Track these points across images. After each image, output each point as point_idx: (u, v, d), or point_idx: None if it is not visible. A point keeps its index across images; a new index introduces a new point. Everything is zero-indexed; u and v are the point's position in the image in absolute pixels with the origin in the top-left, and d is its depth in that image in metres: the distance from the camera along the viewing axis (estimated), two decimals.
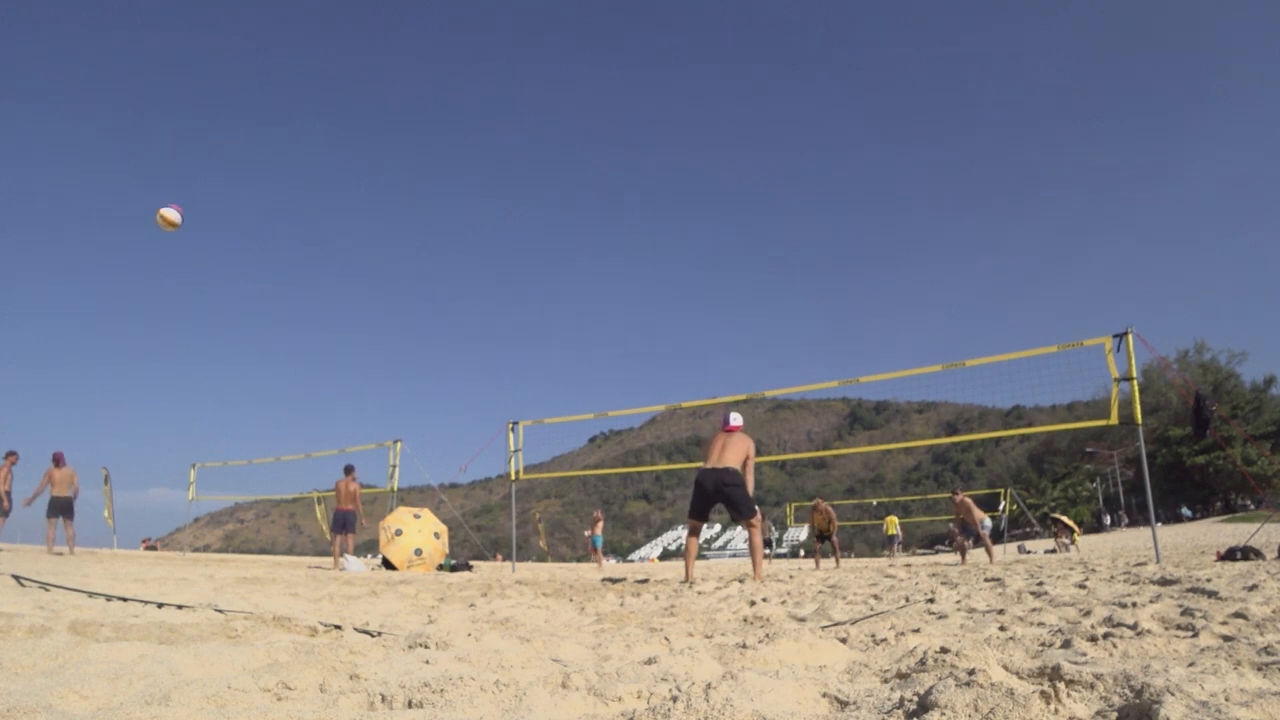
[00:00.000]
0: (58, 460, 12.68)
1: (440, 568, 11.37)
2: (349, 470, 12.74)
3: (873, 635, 2.39)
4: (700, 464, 6.82)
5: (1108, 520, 49.29)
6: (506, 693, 1.48)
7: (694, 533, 6.84)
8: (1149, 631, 2.20)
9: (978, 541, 14.31)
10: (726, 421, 6.95)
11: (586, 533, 21.03)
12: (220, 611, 2.88)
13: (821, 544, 16.70)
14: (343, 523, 12.29)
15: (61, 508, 12.50)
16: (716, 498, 6.54)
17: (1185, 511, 45.96)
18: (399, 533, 11.41)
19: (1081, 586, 4.32)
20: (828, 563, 15.94)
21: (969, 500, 14.23)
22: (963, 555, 14.00)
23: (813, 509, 17.03)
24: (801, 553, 26.41)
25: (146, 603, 3.32)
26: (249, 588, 5.04)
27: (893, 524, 24.79)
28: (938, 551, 33.12)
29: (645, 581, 6.78)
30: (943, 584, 5.08)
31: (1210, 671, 1.50)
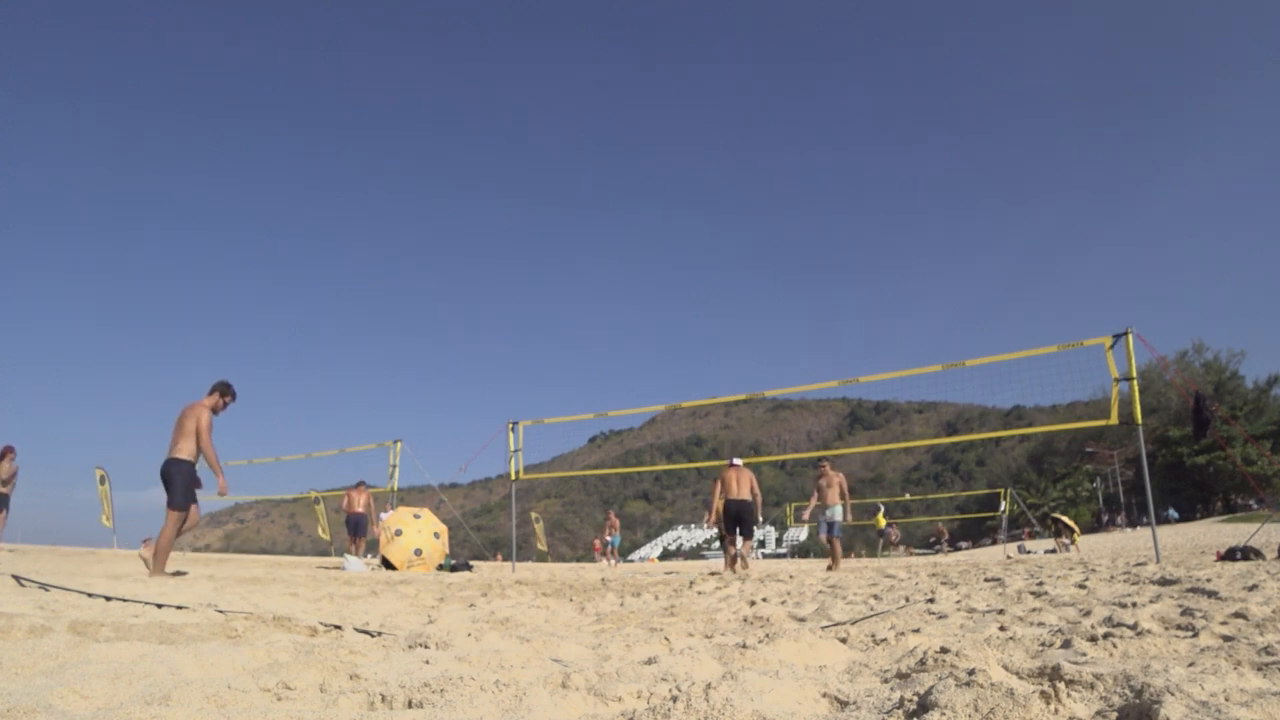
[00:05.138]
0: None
1: (440, 568, 11.36)
2: (361, 483, 13.93)
3: (873, 635, 2.39)
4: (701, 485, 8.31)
5: (1106, 519, 49.27)
6: (506, 693, 1.48)
7: (731, 541, 9.84)
8: (1149, 631, 2.20)
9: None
10: (733, 462, 10.08)
11: (606, 536, 21.15)
12: (220, 611, 2.88)
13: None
14: (354, 525, 13.22)
15: None
16: (738, 520, 9.75)
17: (1172, 513, 45.22)
18: (399, 533, 11.41)
19: (1081, 586, 4.33)
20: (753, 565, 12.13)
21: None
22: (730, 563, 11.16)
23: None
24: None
25: (146, 603, 3.32)
26: (249, 588, 5.03)
27: (881, 521, 26.93)
28: (936, 551, 33.20)
29: (645, 581, 6.79)
30: (943, 584, 5.08)
31: (1210, 671, 1.50)
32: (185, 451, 6.32)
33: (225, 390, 6.58)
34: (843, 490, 11.14)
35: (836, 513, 10.96)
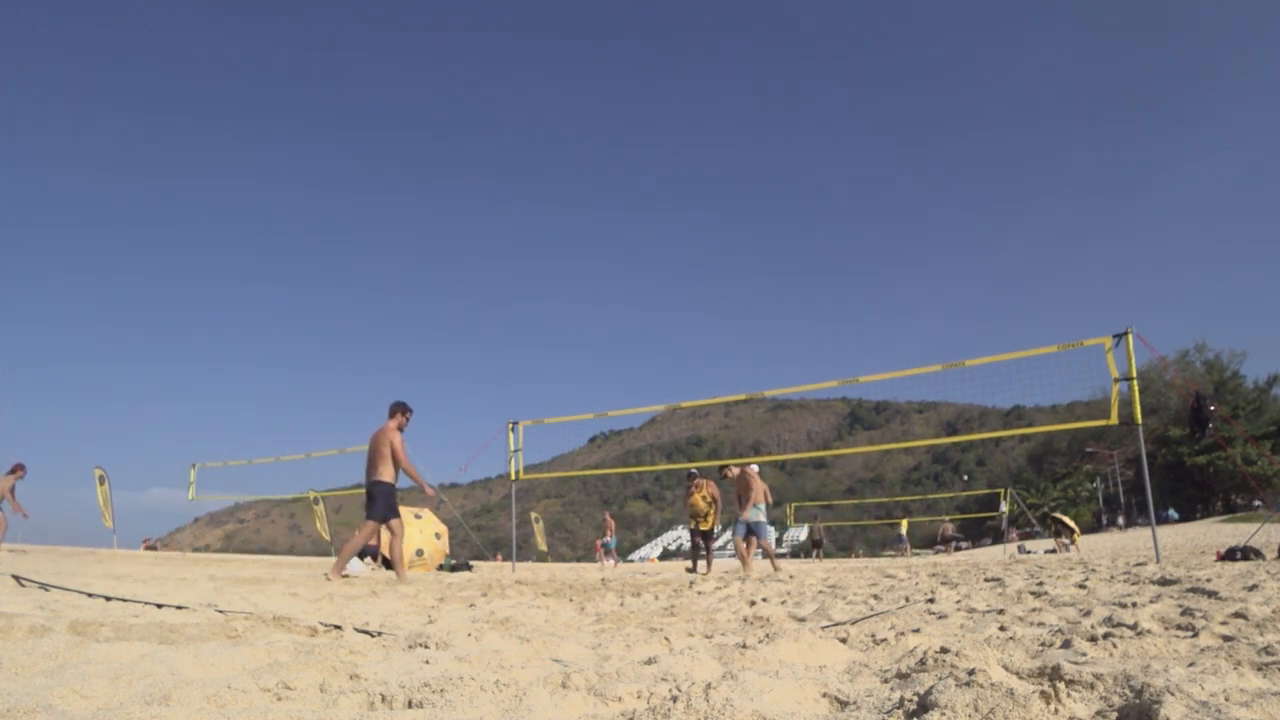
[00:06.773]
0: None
1: (440, 568, 11.39)
2: None
3: (873, 635, 2.39)
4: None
5: (1106, 519, 49.25)
6: (506, 693, 1.48)
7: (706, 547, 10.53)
8: (1149, 631, 2.20)
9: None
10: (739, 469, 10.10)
11: (606, 537, 21.14)
12: (220, 611, 2.88)
13: (701, 539, 10.77)
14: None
15: None
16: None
17: (1172, 513, 45.02)
18: None
19: (1081, 586, 4.33)
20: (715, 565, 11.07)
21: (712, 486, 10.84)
22: (696, 564, 10.65)
23: (694, 487, 10.89)
24: (817, 554, 26.99)
25: (146, 603, 3.32)
26: (249, 588, 5.04)
27: (905, 525, 27.94)
28: (937, 551, 33.23)
29: (645, 581, 6.79)
30: (943, 584, 5.08)
31: (1210, 671, 1.50)
32: (385, 474, 6.93)
33: (404, 409, 7.20)
34: (765, 494, 9.98)
35: (759, 513, 9.87)
